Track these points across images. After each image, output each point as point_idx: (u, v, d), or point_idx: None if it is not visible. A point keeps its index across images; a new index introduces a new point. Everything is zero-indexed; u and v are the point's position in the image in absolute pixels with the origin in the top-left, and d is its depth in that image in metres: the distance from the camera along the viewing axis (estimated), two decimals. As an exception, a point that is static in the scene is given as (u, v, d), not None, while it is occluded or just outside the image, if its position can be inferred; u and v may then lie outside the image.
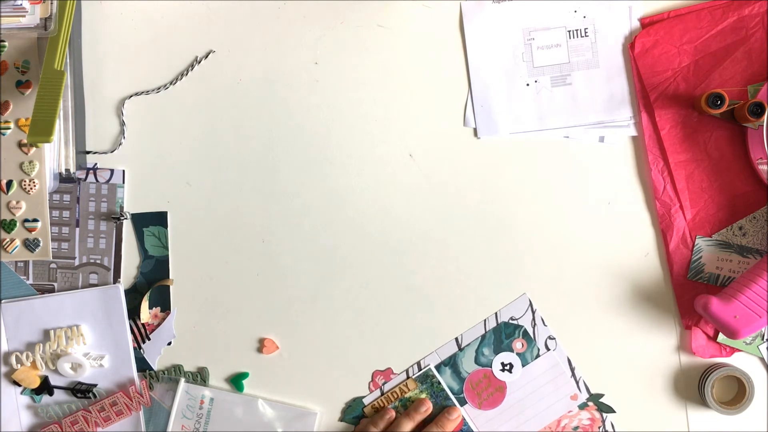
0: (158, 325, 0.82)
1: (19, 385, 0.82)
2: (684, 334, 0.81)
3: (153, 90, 0.82)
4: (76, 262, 0.82)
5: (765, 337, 0.80)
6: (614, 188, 0.81)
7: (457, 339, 0.82)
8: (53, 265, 0.82)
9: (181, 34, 0.82)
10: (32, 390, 0.82)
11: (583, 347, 0.81)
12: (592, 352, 0.81)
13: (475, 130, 0.81)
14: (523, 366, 0.81)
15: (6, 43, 0.78)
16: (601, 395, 0.81)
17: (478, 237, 0.81)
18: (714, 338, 0.80)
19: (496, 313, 0.81)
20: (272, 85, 0.82)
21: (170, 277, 0.82)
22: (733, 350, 0.80)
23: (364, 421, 0.81)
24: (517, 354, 0.81)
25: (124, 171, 0.82)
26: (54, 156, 0.79)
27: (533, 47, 0.81)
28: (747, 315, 0.74)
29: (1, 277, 0.81)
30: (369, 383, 0.82)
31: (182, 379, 0.82)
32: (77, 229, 0.82)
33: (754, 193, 0.79)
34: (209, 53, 0.82)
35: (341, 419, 0.82)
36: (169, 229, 0.82)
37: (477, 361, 0.81)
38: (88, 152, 0.82)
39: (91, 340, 0.82)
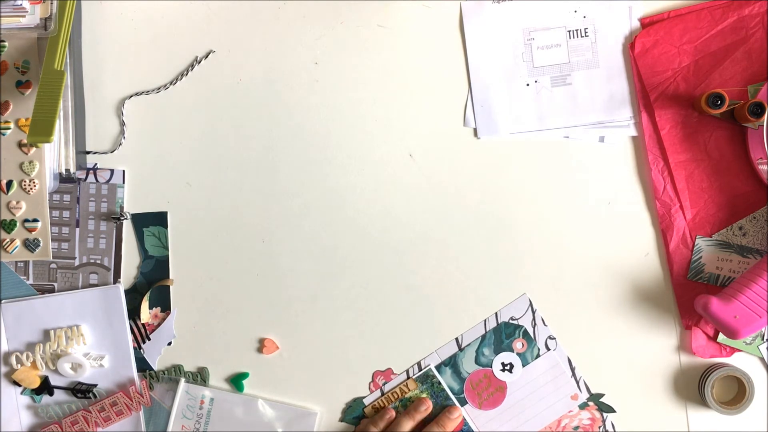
0: (158, 325, 0.82)
1: (19, 385, 0.82)
2: (684, 334, 0.81)
3: (153, 90, 0.82)
4: (76, 262, 0.82)
5: (765, 337, 0.80)
6: (614, 188, 0.81)
7: (457, 339, 0.82)
8: (53, 265, 0.82)
9: (181, 34, 0.82)
10: (32, 390, 0.82)
11: (583, 347, 0.81)
12: (592, 352, 0.81)
13: (475, 130, 0.81)
14: (524, 366, 0.81)
15: (6, 43, 0.78)
16: (602, 395, 0.81)
17: (478, 237, 0.81)
18: (714, 338, 0.80)
19: (496, 313, 0.81)
20: (272, 85, 0.82)
21: (170, 277, 0.82)
22: (733, 350, 0.80)
23: (364, 421, 0.82)
24: (518, 354, 0.81)
25: (124, 171, 0.82)
26: (54, 156, 0.79)
27: (533, 47, 0.81)
28: (747, 315, 0.74)
29: (1, 277, 0.81)
30: (369, 383, 0.82)
31: (182, 379, 0.82)
32: (77, 229, 0.82)
33: (754, 193, 0.79)
34: (209, 53, 0.82)
35: (341, 419, 0.82)
36: (169, 229, 0.82)
37: (477, 361, 0.81)
38: (88, 152, 0.82)
39: (91, 340, 0.82)
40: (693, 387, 0.81)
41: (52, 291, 0.82)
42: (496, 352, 0.81)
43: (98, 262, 0.82)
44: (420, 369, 0.82)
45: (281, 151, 0.82)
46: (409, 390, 0.82)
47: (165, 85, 0.82)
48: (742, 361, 0.80)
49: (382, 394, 0.82)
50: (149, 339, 0.82)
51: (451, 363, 0.82)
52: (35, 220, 0.80)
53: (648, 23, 0.80)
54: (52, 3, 0.75)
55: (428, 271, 0.82)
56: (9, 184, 0.79)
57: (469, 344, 0.81)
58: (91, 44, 0.82)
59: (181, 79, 0.82)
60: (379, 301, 0.82)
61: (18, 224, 0.80)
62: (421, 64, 0.81)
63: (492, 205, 0.81)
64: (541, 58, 0.81)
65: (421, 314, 0.82)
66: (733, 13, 0.78)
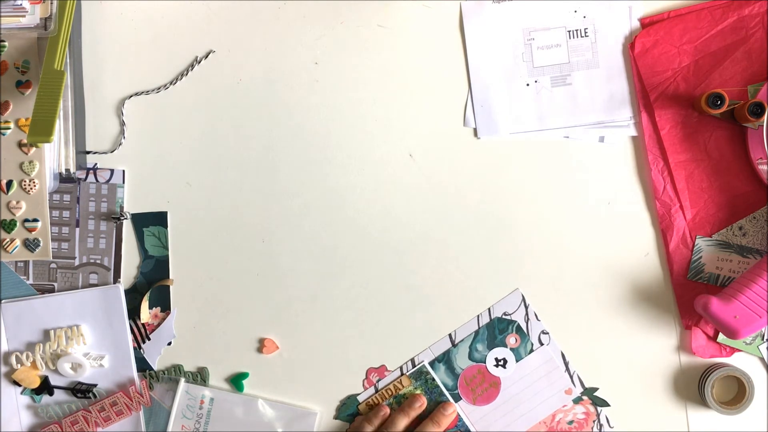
0: (158, 325, 0.82)
1: (19, 385, 0.82)
2: (684, 334, 0.81)
3: (153, 90, 0.82)
4: (76, 262, 0.82)
5: (765, 337, 0.80)
6: (614, 188, 0.81)
7: (450, 335, 0.82)
8: (53, 265, 0.82)
9: (181, 34, 0.82)
10: (32, 390, 0.82)
11: (584, 347, 0.81)
12: (593, 352, 0.81)
13: (475, 130, 0.81)
14: (517, 361, 0.81)
15: (6, 43, 0.78)
16: (596, 389, 0.81)
17: (478, 237, 0.81)
18: (714, 338, 0.80)
19: (489, 309, 0.81)
20: (272, 85, 0.82)
21: (170, 277, 0.82)
22: (733, 350, 0.80)
23: (358, 419, 0.82)
24: (511, 349, 0.81)
25: (124, 171, 0.82)
26: (54, 156, 0.79)
27: (533, 47, 0.81)
28: (747, 315, 0.74)
29: (1, 277, 0.81)
30: (363, 380, 0.82)
31: (182, 379, 0.82)
32: (77, 229, 0.82)
33: (754, 193, 0.79)
34: (209, 53, 0.82)
35: (336, 417, 0.82)
36: (169, 229, 0.82)
37: (471, 357, 0.81)
38: (88, 152, 0.82)
39: (91, 340, 0.82)
40: (693, 387, 0.81)
41: (52, 291, 0.82)
42: (490, 347, 0.81)
43: (98, 262, 0.82)
44: (414, 365, 0.82)
45: (281, 151, 0.82)
46: (403, 387, 0.82)
47: (165, 85, 0.82)
48: (742, 361, 0.80)
49: (376, 391, 0.82)
50: (149, 339, 0.82)
51: (445, 359, 0.82)
52: (35, 220, 0.80)
53: (648, 23, 0.80)
54: (52, 3, 0.75)
55: (428, 271, 0.82)
56: (9, 184, 0.79)
57: (462, 340, 0.81)
58: (91, 44, 0.82)
59: (181, 79, 0.82)
60: (379, 300, 0.82)
61: (18, 224, 0.80)
62: (421, 64, 0.81)
63: (492, 205, 0.81)
64: (541, 58, 0.81)
65: (419, 312, 0.82)
66: (733, 13, 0.78)
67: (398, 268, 0.82)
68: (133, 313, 0.82)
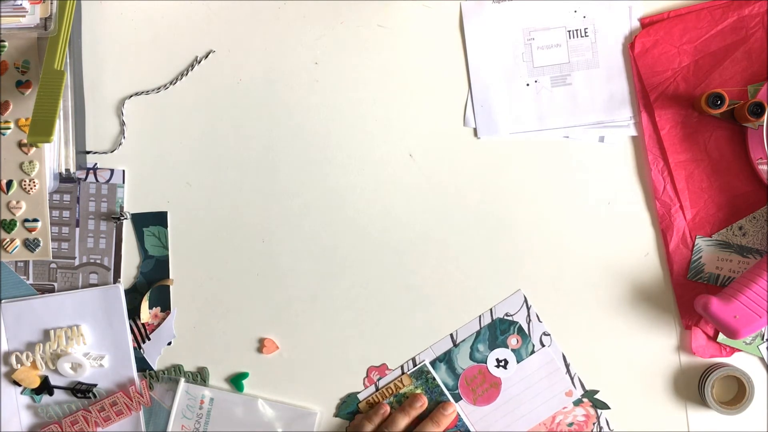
0: (158, 325, 0.82)
1: (19, 385, 0.82)
2: (684, 334, 0.81)
3: (153, 90, 0.82)
4: (76, 262, 0.82)
5: (765, 337, 0.80)
6: (614, 188, 0.81)
7: (452, 335, 0.82)
8: (53, 265, 0.82)
9: (181, 34, 0.82)
10: (32, 390, 0.82)
11: (584, 347, 0.81)
12: (593, 352, 0.81)
13: (475, 130, 0.81)
14: (518, 362, 0.81)
15: (6, 43, 0.78)
16: (596, 392, 0.81)
17: (478, 237, 0.81)
18: (714, 338, 0.80)
19: (491, 310, 0.81)
20: (272, 85, 0.82)
21: (170, 277, 0.82)
22: (733, 350, 0.80)
23: (359, 417, 0.82)
24: (512, 350, 0.81)
25: (124, 171, 0.82)
26: (54, 156, 0.79)
27: (533, 47, 0.81)
28: (747, 315, 0.74)
29: (1, 277, 0.81)
30: (364, 379, 0.82)
31: (182, 379, 0.82)
32: (77, 229, 0.82)
33: (754, 193, 0.79)
34: (209, 53, 0.82)
35: (336, 415, 0.82)
36: (169, 229, 0.82)
37: (472, 357, 0.81)
38: (88, 152, 0.82)
39: (91, 340, 0.82)
40: (693, 387, 0.81)
41: (52, 291, 0.82)
42: (491, 348, 0.81)
43: (98, 262, 0.82)
44: (415, 364, 0.82)
45: (281, 151, 0.82)
46: (404, 385, 0.82)
47: (165, 85, 0.82)
48: (742, 361, 0.80)
49: (377, 389, 0.82)
50: (149, 339, 0.82)
51: (446, 359, 0.82)
52: (35, 220, 0.80)
53: (648, 23, 0.80)
54: (52, 3, 0.75)
55: (428, 271, 0.82)
56: (9, 184, 0.79)
57: (463, 340, 0.81)
58: (91, 44, 0.82)
59: (181, 79, 0.82)
60: (378, 300, 0.82)
61: (18, 224, 0.80)
62: (421, 64, 0.81)
63: (492, 205, 0.81)
64: (541, 58, 0.81)
65: (416, 312, 0.82)
66: (733, 13, 0.78)
67: (398, 268, 0.82)
68: (133, 313, 0.82)
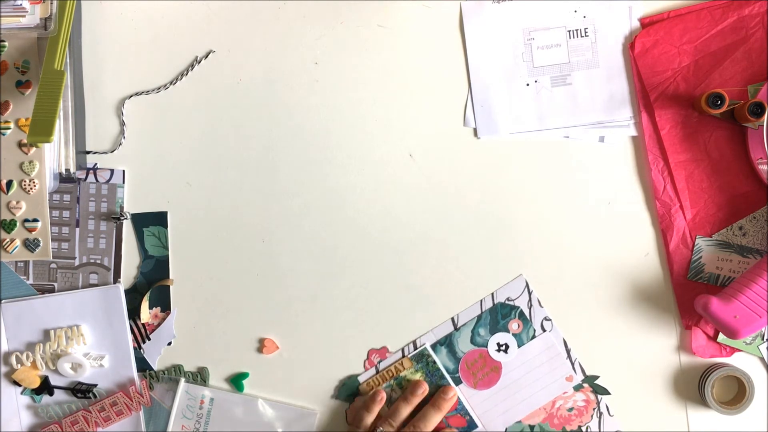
0: (158, 325, 0.82)
1: (19, 385, 0.82)
2: (684, 334, 0.81)
3: (153, 90, 0.82)
4: (76, 262, 0.82)
5: (765, 337, 0.80)
6: (614, 188, 0.81)
7: (453, 319, 0.81)
8: (53, 265, 0.82)
9: (181, 34, 0.82)
10: (32, 390, 0.82)
11: (583, 347, 0.81)
12: (592, 352, 0.81)
13: (475, 130, 0.81)
14: (519, 347, 0.81)
15: (6, 43, 0.78)
16: (596, 377, 0.81)
17: (478, 237, 0.81)
18: (714, 338, 0.80)
19: (492, 294, 0.81)
20: (272, 85, 0.82)
21: (170, 277, 0.82)
22: (733, 350, 0.80)
23: (354, 407, 0.81)
24: (513, 335, 0.81)
25: (124, 171, 0.82)
26: (54, 156, 0.79)
27: (533, 47, 0.81)
28: (747, 315, 0.74)
29: (1, 277, 0.81)
30: (364, 361, 0.82)
31: (182, 379, 0.82)
32: (77, 229, 0.82)
33: (754, 193, 0.79)
34: (209, 53, 0.82)
35: (334, 396, 0.82)
36: (169, 229, 0.82)
37: (473, 341, 0.81)
38: (88, 152, 0.82)
39: (91, 340, 0.82)
40: (693, 387, 0.81)
41: (52, 291, 0.82)
42: (492, 332, 0.81)
43: (98, 262, 0.82)
44: (415, 348, 0.82)
45: (281, 151, 0.82)
46: (404, 368, 0.82)
47: (165, 85, 0.82)
48: (742, 361, 0.80)
49: (377, 372, 0.82)
50: (149, 339, 0.82)
51: (447, 342, 0.82)
52: (35, 220, 0.80)
53: (648, 23, 0.80)
54: (52, 3, 0.75)
55: (428, 271, 0.82)
56: (9, 184, 0.79)
57: (464, 324, 0.81)
58: (91, 44, 0.82)
59: (181, 79, 0.82)
60: (379, 301, 0.82)
61: (18, 224, 0.80)
62: (421, 64, 0.81)
63: (492, 205, 0.81)
64: (541, 58, 0.81)
65: (416, 312, 0.81)
66: (733, 13, 0.78)
67: (398, 268, 0.82)
68: (133, 313, 0.82)
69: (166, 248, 0.82)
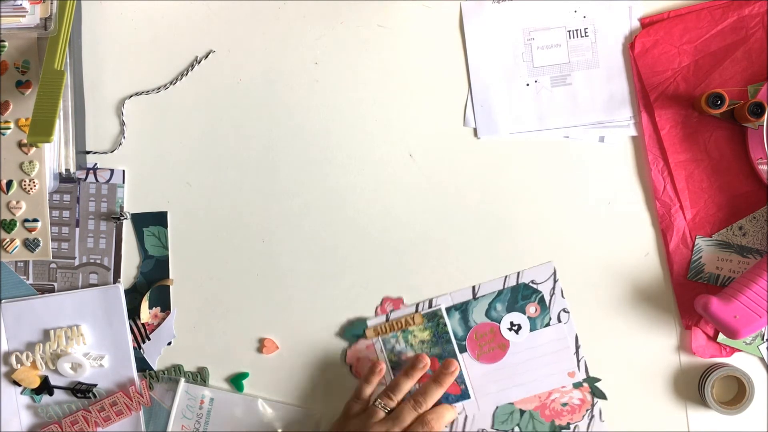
0: (158, 325, 0.82)
1: (19, 385, 0.82)
2: (684, 334, 0.81)
3: (153, 90, 0.82)
4: (76, 262, 0.82)
5: (765, 337, 0.80)
6: (614, 188, 0.81)
7: (474, 287, 0.81)
8: (53, 265, 0.82)
9: (181, 34, 0.82)
10: (32, 390, 0.82)
11: (583, 347, 0.81)
12: (592, 351, 0.81)
13: (475, 130, 0.81)
14: (531, 331, 0.81)
15: (6, 43, 0.78)
16: (598, 379, 0.81)
17: (478, 237, 0.81)
18: (714, 338, 0.80)
19: (518, 273, 0.81)
20: (272, 85, 0.82)
21: (170, 277, 0.82)
22: (733, 350, 0.80)
23: (355, 350, 0.80)
24: (529, 317, 0.81)
25: (124, 171, 0.82)
26: (54, 156, 0.79)
27: (533, 47, 0.81)
28: (747, 315, 0.74)
29: (1, 277, 0.81)
30: (377, 307, 0.82)
31: (182, 379, 0.82)
32: (77, 229, 0.82)
33: (754, 193, 0.79)
34: (209, 53, 0.82)
35: (338, 334, 0.82)
36: (169, 229, 0.82)
37: (487, 314, 0.81)
38: (88, 152, 0.82)
39: (91, 340, 0.82)
40: (693, 387, 0.81)
41: (52, 291, 0.82)
42: (509, 310, 0.81)
43: (98, 262, 0.82)
44: (430, 306, 0.81)
45: (281, 151, 0.82)
46: (414, 323, 0.81)
47: (165, 85, 0.82)
48: (742, 361, 0.80)
49: (387, 320, 0.82)
50: (149, 339, 0.82)
51: (462, 309, 0.81)
52: (35, 220, 0.80)
53: (648, 23, 0.80)
54: (52, 3, 0.75)
55: (428, 271, 0.82)
56: (9, 184, 0.79)
57: (483, 295, 0.81)
58: (91, 44, 0.82)
59: (181, 79, 0.82)
60: (379, 301, 0.82)
61: (18, 224, 0.80)
62: (421, 64, 0.81)
63: (492, 205, 0.81)
64: (541, 58, 0.81)
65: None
66: (733, 13, 0.78)
67: (398, 268, 0.82)
68: (133, 313, 0.82)
69: (166, 248, 0.82)
